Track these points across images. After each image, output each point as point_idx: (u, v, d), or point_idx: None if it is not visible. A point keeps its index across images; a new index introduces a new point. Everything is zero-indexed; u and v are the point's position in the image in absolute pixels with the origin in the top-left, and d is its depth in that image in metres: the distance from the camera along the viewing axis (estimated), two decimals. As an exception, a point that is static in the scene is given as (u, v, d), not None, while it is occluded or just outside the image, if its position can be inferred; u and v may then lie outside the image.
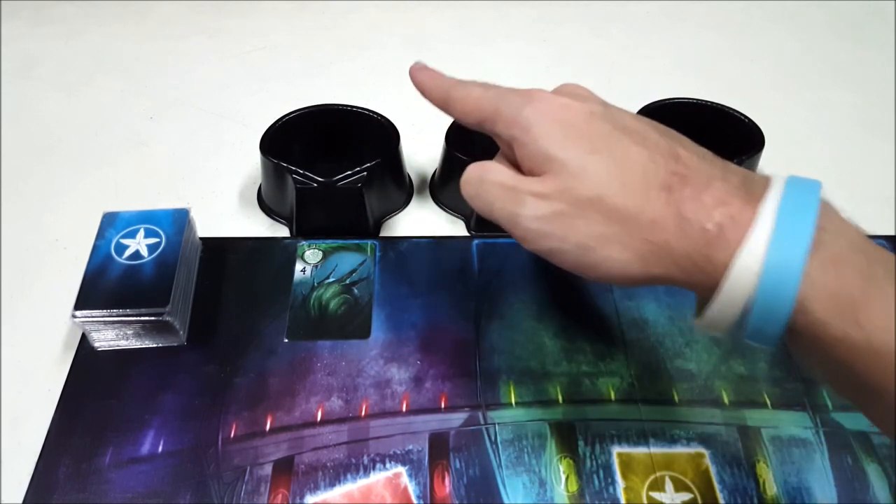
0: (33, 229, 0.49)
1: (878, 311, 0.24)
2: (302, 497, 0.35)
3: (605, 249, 0.28)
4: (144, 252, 0.41)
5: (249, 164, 0.54)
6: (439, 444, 0.37)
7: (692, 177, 0.27)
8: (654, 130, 0.30)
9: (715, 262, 0.26)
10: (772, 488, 0.36)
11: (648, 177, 0.27)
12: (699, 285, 0.27)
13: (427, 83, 0.35)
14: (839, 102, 0.62)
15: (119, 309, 0.38)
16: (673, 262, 0.27)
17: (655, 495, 0.35)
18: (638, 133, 0.29)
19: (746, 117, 0.50)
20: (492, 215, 0.31)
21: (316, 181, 0.45)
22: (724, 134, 0.50)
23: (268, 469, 0.36)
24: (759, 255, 0.25)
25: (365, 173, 0.46)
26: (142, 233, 0.42)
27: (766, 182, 0.27)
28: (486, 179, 0.31)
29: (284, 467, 0.36)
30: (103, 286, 0.39)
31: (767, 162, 0.52)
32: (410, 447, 0.37)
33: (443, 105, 0.34)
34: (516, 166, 0.31)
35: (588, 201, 0.28)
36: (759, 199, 0.26)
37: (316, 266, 0.46)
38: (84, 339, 0.41)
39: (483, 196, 0.31)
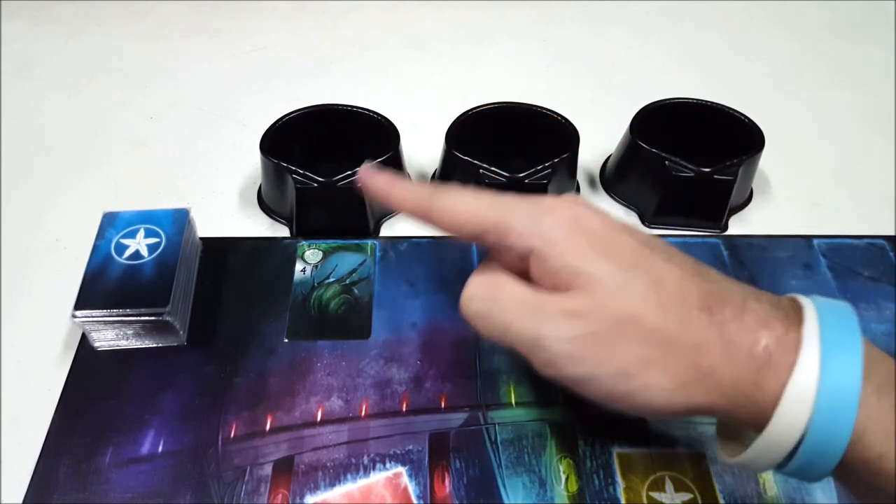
0: (33, 229, 0.49)
1: None
2: (302, 497, 0.35)
3: (646, 376, 0.25)
4: (144, 252, 0.41)
5: (249, 164, 0.54)
6: (439, 444, 0.37)
7: (727, 296, 0.25)
8: (673, 247, 0.28)
9: (765, 390, 0.24)
10: (772, 488, 0.35)
11: (685, 296, 0.25)
12: (743, 415, 0.25)
13: (393, 193, 0.30)
14: (839, 102, 0.62)
15: (119, 309, 0.38)
16: (719, 390, 0.25)
17: (655, 495, 0.35)
18: (662, 249, 0.27)
19: (746, 117, 0.50)
20: (506, 336, 0.28)
21: (316, 181, 0.45)
22: (724, 134, 0.51)
23: (268, 469, 0.36)
24: (812, 384, 0.23)
25: (365, 173, 0.46)
26: (142, 233, 0.42)
27: (794, 304, 0.26)
28: (499, 297, 0.28)
29: (284, 467, 0.36)
30: (103, 286, 0.39)
31: (767, 162, 0.52)
32: (410, 447, 0.37)
33: (424, 217, 0.30)
34: (523, 276, 0.28)
35: (628, 320, 0.25)
36: (796, 321, 0.25)
37: (316, 266, 0.46)
38: (84, 339, 0.41)
39: (497, 315, 0.28)
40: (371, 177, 0.31)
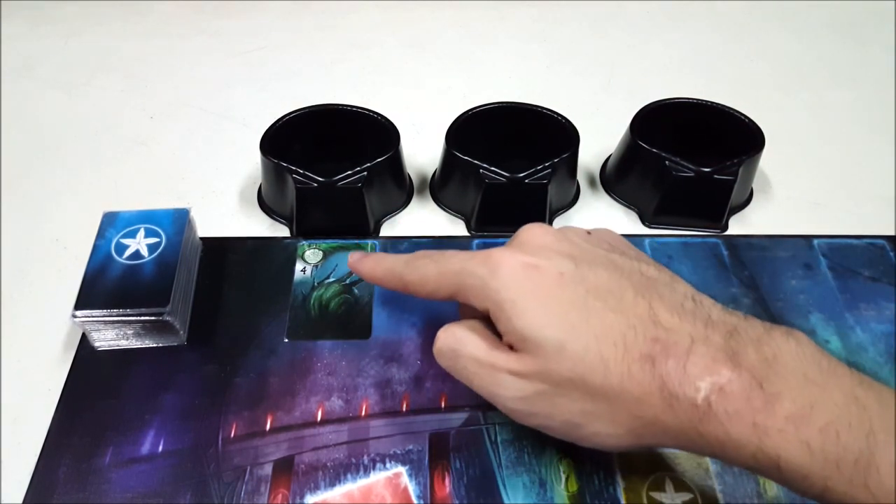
0: (33, 229, 0.49)
1: (887, 471, 0.23)
2: (302, 497, 0.35)
3: (593, 426, 0.28)
4: (144, 252, 0.41)
5: (249, 164, 0.54)
6: (439, 444, 0.37)
7: (673, 342, 0.26)
8: (629, 285, 0.29)
9: (708, 438, 0.25)
10: (772, 488, 0.35)
11: (629, 347, 0.27)
12: (697, 451, 0.27)
13: (376, 273, 0.35)
14: (839, 102, 0.62)
15: (119, 309, 0.38)
16: (665, 434, 0.27)
17: (655, 495, 0.35)
18: (612, 294, 0.28)
19: (746, 117, 0.50)
20: (471, 389, 0.31)
21: (316, 181, 0.45)
22: (724, 134, 0.51)
23: (268, 469, 0.36)
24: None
25: (365, 173, 0.46)
26: (142, 233, 0.42)
27: (750, 330, 0.27)
28: (460, 354, 0.30)
29: (284, 467, 0.36)
30: (103, 286, 0.39)
31: (767, 162, 0.52)
32: (410, 447, 0.37)
33: (403, 290, 0.34)
34: (489, 320, 0.30)
35: (569, 381, 0.27)
36: (742, 361, 0.25)
37: (316, 266, 0.46)
38: (84, 339, 0.41)
39: (460, 372, 0.31)
40: (360, 262, 0.36)
